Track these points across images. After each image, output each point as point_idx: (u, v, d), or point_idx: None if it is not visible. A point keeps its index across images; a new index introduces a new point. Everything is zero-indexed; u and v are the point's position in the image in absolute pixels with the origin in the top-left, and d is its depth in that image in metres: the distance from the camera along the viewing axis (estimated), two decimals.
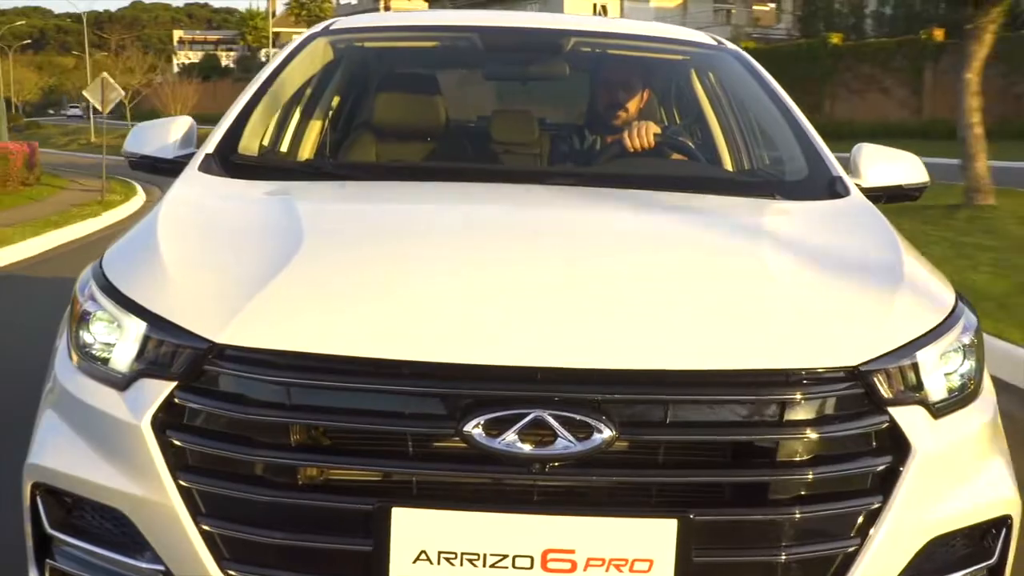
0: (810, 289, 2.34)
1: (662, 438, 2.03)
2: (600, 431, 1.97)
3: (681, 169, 3.64)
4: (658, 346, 2.08)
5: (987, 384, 2.46)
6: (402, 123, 4.13)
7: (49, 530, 2.28)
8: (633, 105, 4.06)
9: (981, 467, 2.31)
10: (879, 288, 2.42)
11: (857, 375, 2.12)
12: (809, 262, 2.51)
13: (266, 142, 3.96)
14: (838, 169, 3.31)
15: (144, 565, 2.15)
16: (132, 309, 2.26)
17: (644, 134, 3.73)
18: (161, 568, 2.12)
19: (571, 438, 1.96)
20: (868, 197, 3.36)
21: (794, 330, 2.18)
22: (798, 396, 2.07)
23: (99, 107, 19.73)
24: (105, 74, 21.00)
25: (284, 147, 4.07)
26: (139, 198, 19.52)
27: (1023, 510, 2.36)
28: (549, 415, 1.97)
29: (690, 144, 3.93)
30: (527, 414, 1.97)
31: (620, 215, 2.90)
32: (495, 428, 1.96)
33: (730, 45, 4.22)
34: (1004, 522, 2.33)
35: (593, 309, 2.17)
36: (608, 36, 4.25)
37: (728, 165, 4.00)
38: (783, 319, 2.21)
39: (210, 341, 2.10)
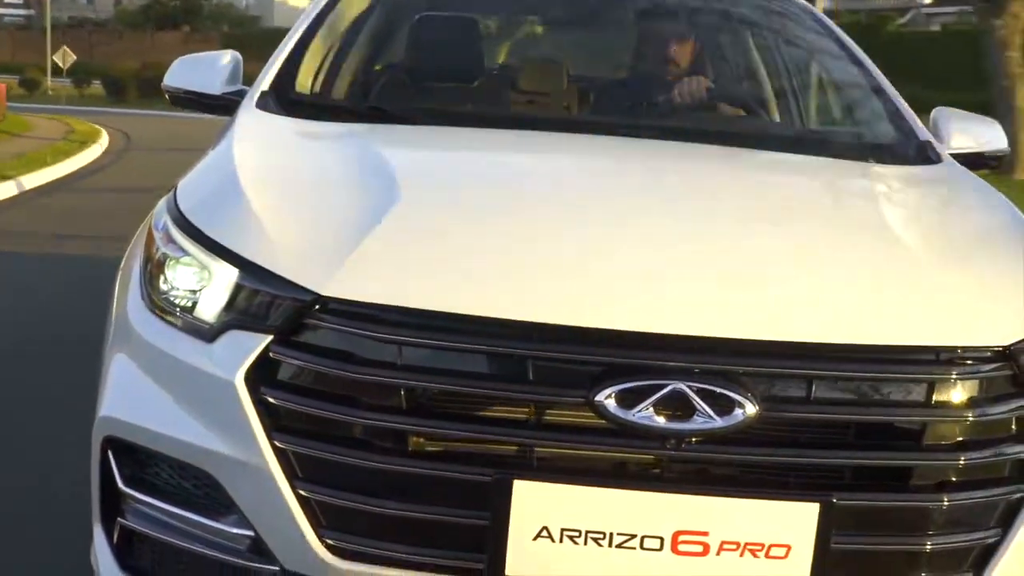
0: (950, 263, 2.20)
1: (806, 415, 1.89)
2: (743, 406, 1.82)
3: (767, 127, 3.50)
4: (803, 318, 1.94)
5: None
6: (443, 67, 3.94)
7: (122, 487, 2.13)
8: (685, 59, 3.89)
9: None
10: (1010, 262, 2.28)
11: (1007, 355, 1.98)
12: (940, 234, 2.38)
13: (320, 81, 3.78)
14: (926, 133, 3.17)
15: (230, 529, 2.00)
16: (222, 254, 2.09)
17: (696, 88, 3.59)
18: (250, 533, 1.97)
19: (712, 413, 1.81)
20: None
21: (943, 306, 2.04)
22: (948, 375, 1.93)
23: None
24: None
25: (339, 86, 3.88)
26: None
27: None
28: (689, 387, 1.82)
29: (747, 98, 3.77)
30: (665, 385, 1.82)
31: (731, 174, 2.75)
32: (629, 399, 1.81)
33: None
34: None
35: (733, 276, 2.02)
36: None
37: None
38: (930, 294, 2.07)
39: (314, 293, 1.93)
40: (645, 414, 1.81)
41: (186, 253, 2.15)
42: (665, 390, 1.82)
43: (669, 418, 1.82)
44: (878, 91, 3.37)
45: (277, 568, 1.95)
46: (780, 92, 3.99)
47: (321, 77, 3.73)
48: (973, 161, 3.31)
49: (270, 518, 1.93)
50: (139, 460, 2.12)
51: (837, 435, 1.91)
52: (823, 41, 3.71)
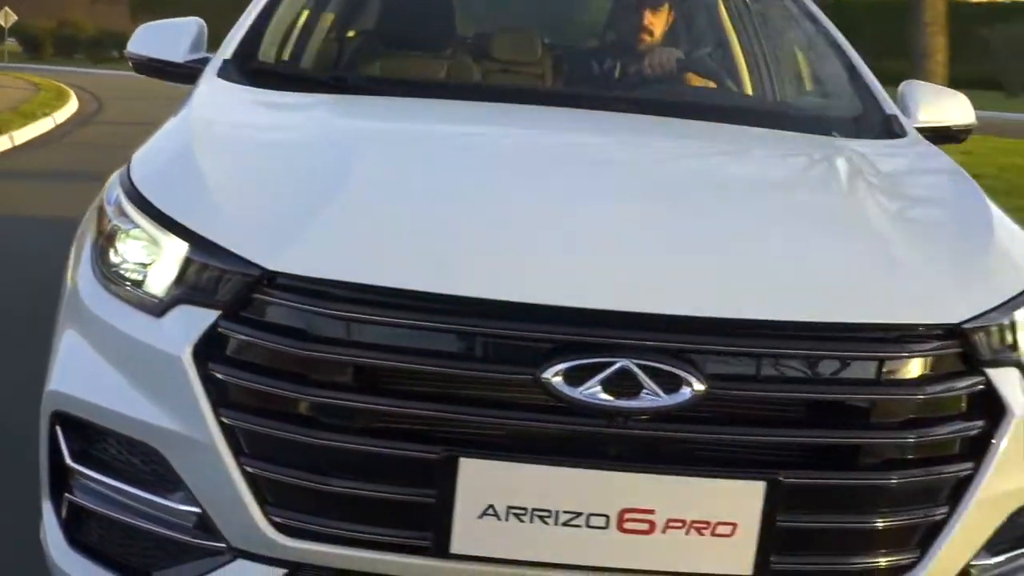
0: (907, 240, 2.20)
1: (754, 394, 1.88)
2: (690, 384, 1.81)
3: (731, 99, 3.47)
4: (752, 295, 1.93)
5: None
6: (412, 34, 3.90)
7: (69, 462, 2.10)
8: (659, 28, 3.86)
9: None
10: (975, 241, 2.29)
11: (958, 333, 1.98)
12: (896, 210, 2.37)
13: (286, 50, 3.73)
14: (892, 107, 3.15)
15: (176, 506, 1.99)
16: (172, 228, 2.06)
17: (666, 59, 3.57)
18: (197, 510, 1.96)
19: (658, 390, 1.80)
20: None
21: (894, 283, 2.03)
22: (898, 353, 1.93)
23: None
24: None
25: (306, 56, 3.84)
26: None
27: None
28: (636, 365, 1.81)
29: (717, 71, 3.74)
30: (613, 363, 1.81)
31: (689, 147, 2.73)
32: (576, 376, 1.80)
33: None
34: None
35: (683, 252, 2.01)
36: None
37: (760, 95, 3.82)
38: (882, 271, 2.06)
39: (262, 267, 1.91)
40: (592, 392, 1.80)
41: (137, 226, 2.12)
42: (612, 368, 1.80)
43: (616, 396, 1.80)
44: (846, 64, 3.35)
45: (223, 545, 1.94)
46: (751, 64, 3.96)
47: (290, 45, 3.69)
48: (940, 135, 3.30)
49: (216, 495, 1.92)
50: (87, 435, 2.10)
51: (785, 413, 1.91)
52: (794, 13, 3.69)
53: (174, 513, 1.99)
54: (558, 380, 1.80)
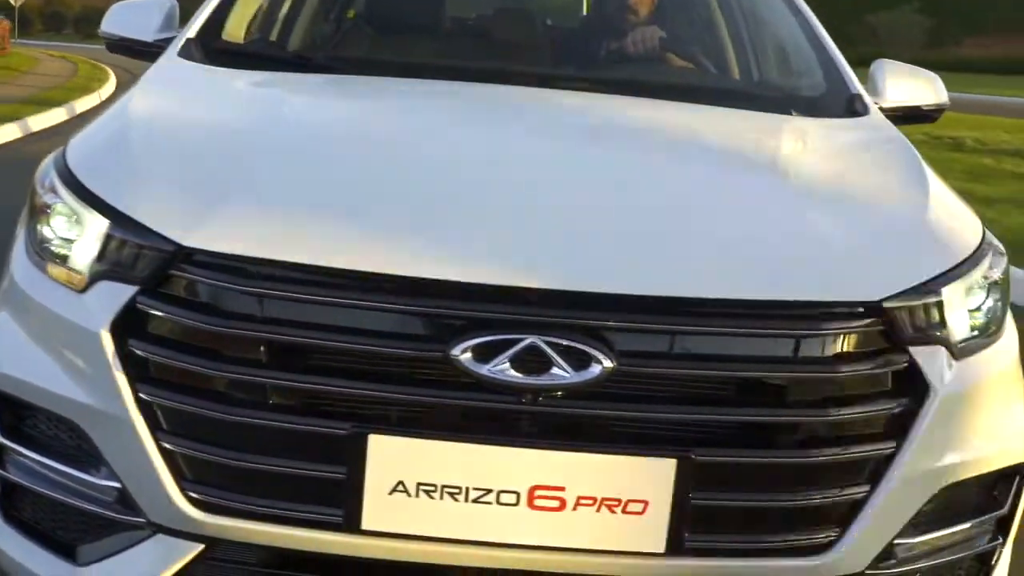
0: (832, 217, 2.17)
1: (666, 371, 1.87)
2: (600, 361, 1.80)
3: (694, 78, 3.44)
4: (666, 271, 1.92)
5: (1010, 322, 2.31)
6: (399, 14, 3.90)
7: (1, 439, 2.12)
8: (644, 7, 3.85)
9: (999, 413, 2.17)
10: (904, 218, 2.26)
11: (879, 311, 1.96)
12: (831, 188, 2.35)
13: (255, 29, 3.73)
14: (857, 86, 3.12)
15: (98, 481, 2.00)
16: (94, 204, 2.07)
17: (648, 38, 3.55)
18: (117, 485, 1.97)
19: (567, 367, 1.80)
20: (887, 116, 3.19)
21: (813, 260, 2.02)
22: (815, 331, 1.91)
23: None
24: None
25: (274, 35, 3.85)
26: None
27: None
28: (544, 342, 1.80)
29: (697, 50, 3.72)
30: (521, 339, 1.80)
31: (629, 126, 2.71)
32: (485, 353, 1.80)
33: None
34: (1018, 471, 2.21)
35: (597, 228, 2.00)
36: None
37: (736, 75, 3.80)
38: (802, 248, 2.05)
39: (177, 243, 1.92)
40: (500, 368, 1.80)
41: (63, 201, 2.13)
42: (521, 345, 1.80)
43: (525, 373, 1.80)
44: (816, 45, 3.33)
45: (143, 520, 1.95)
46: (729, 45, 3.94)
47: (256, 24, 3.69)
48: (911, 114, 3.27)
49: (134, 471, 1.93)
50: (18, 412, 2.11)
51: (698, 391, 1.90)
52: None
53: (97, 488, 2.00)
54: (467, 357, 1.80)
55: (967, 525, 2.15)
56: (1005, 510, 2.20)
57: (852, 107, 3.00)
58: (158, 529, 1.94)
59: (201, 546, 1.92)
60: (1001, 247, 2.35)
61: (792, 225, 2.12)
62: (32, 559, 2.09)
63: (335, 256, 1.87)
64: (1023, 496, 2.24)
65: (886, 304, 1.96)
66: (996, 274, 2.21)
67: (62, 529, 2.10)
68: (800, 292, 1.93)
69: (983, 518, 2.18)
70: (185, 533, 1.92)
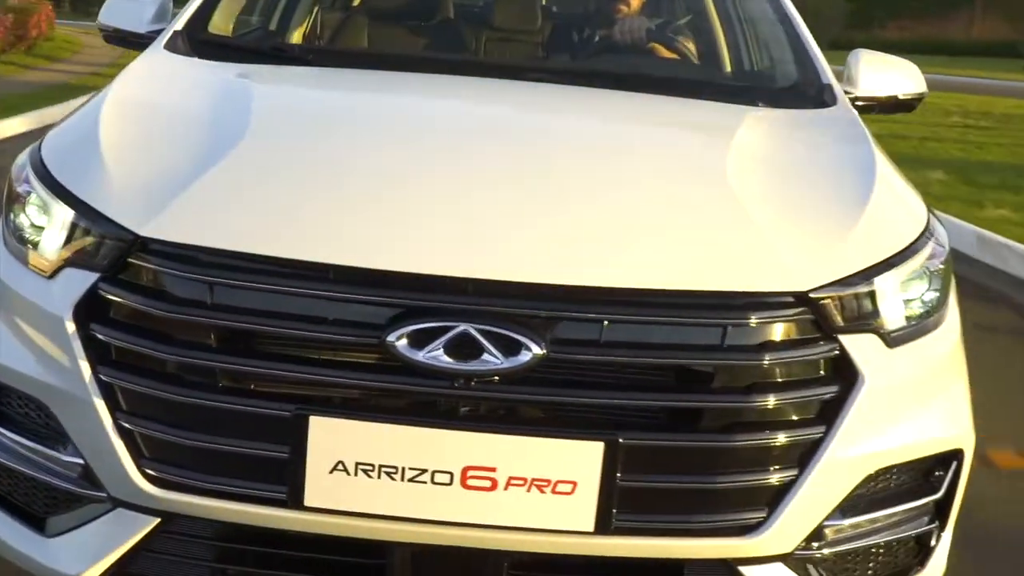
0: (768, 208, 2.23)
1: (594, 358, 1.95)
2: (529, 348, 1.89)
3: (666, 70, 3.50)
4: (596, 262, 1.99)
5: (952, 309, 2.36)
6: (390, 8, 3.99)
7: None
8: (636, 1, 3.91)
9: (935, 399, 2.23)
10: (843, 208, 2.32)
11: (806, 301, 2.03)
12: (773, 178, 2.40)
13: (255, 19, 3.83)
14: (828, 77, 3.17)
15: (64, 458, 2.11)
16: (61, 195, 2.18)
17: (635, 29, 3.62)
18: (80, 462, 2.08)
19: (497, 354, 1.88)
20: (863, 106, 3.24)
21: (743, 251, 2.08)
22: (742, 320, 1.98)
23: None
24: None
25: (273, 25, 3.95)
26: None
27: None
28: (475, 330, 1.89)
29: (684, 43, 3.78)
30: (454, 327, 1.89)
31: (584, 118, 2.79)
32: (420, 340, 1.89)
33: None
34: (955, 456, 2.27)
35: (531, 220, 2.08)
36: None
37: (727, 67, 3.85)
38: (733, 239, 2.11)
39: (134, 233, 2.02)
40: (434, 355, 1.88)
41: (34, 191, 2.24)
42: (453, 332, 1.89)
43: (457, 359, 1.89)
44: (793, 37, 3.38)
45: (104, 495, 2.06)
46: (718, 37, 3.98)
47: (256, 15, 3.80)
48: (887, 104, 3.32)
49: (96, 448, 2.03)
50: None
51: (627, 377, 1.97)
52: None
53: (63, 464, 2.11)
54: (402, 343, 1.89)
55: (901, 508, 2.21)
56: (940, 495, 2.26)
57: (820, 98, 3.06)
58: (118, 503, 2.05)
59: (158, 520, 2.03)
60: (944, 236, 2.41)
61: (726, 217, 2.18)
62: (4, 530, 2.21)
63: (279, 246, 1.97)
64: (960, 480, 2.30)
65: (813, 294, 2.03)
66: (936, 264, 2.27)
67: (32, 503, 2.21)
68: (727, 283, 2.00)
69: (918, 502, 2.24)
70: (143, 508, 2.02)
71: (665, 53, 3.68)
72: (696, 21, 4.14)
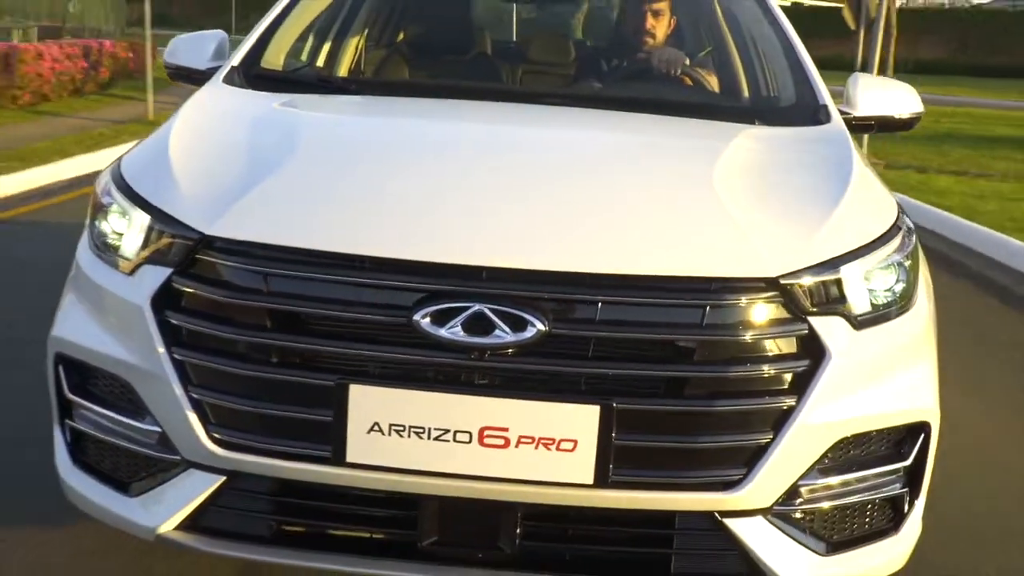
0: (747, 205, 2.54)
1: (591, 334, 2.27)
2: (534, 325, 2.21)
3: (676, 94, 3.82)
4: (591, 251, 2.31)
5: (921, 295, 2.64)
6: (432, 41, 4.37)
7: (68, 395, 2.61)
8: (661, 31, 4.25)
9: (901, 377, 2.51)
10: (817, 205, 2.61)
11: (777, 285, 2.33)
12: (754, 181, 2.70)
13: (304, 58, 4.22)
14: (825, 98, 3.48)
15: (145, 427, 2.47)
16: (139, 203, 2.56)
17: (672, 61, 3.96)
18: (158, 429, 2.44)
19: (507, 329, 2.21)
20: (860, 125, 3.53)
21: (721, 241, 2.39)
22: (718, 302, 2.29)
23: None
24: None
25: (320, 62, 4.34)
26: None
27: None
28: (488, 309, 2.22)
29: (703, 75, 4.09)
30: (470, 307, 2.22)
31: (593, 134, 3.12)
32: (441, 319, 2.22)
33: None
34: (921, 429, 2.54)
35: (536, 216, 2.41)
36: None
37: (746, 93, 4.14)
38: (713, 231, 2.42)
39: (201, 233, 2.39)
40: (454, 331, 2.22)
41: (116, 202, 2.62)
42: (469, 311, 2.22)
43: (473, 334, 2.22)
44: (793, 60, 3.70)
45: (178, 457, 2.42)
46: (735, 62, 4.28)
47: (305, 54, 4.20)
48: (885, 123, 3.62)
49: (171, 417, 2.39)
50: (81, 372, 2.60)
51: (620, 350, 2.29)
52: (756, 11, 4.05)
53: (143, 433, 2.48)
54: (426, 322, 2.22)
55: (872, 472, 2.50)
56: (909, 461, 2.54)
57: (815, 117, 3.36)
58: (190, 464, 2.40)
59: (223, 478, 2.38)
60: (914, 232, 2.70)
61: (708, 213, 2.49)
62: (96, 492, 2.58)
63: (322, 241, 2.32)
64: (929, 451, 2.58)
65: (783, 280, 2.33)
66: (900, 257, 2.56)
67: (117, 468, 2.58)
68: (706, 269, 2.31)
69: (888, 467, 2.52)
70: (211, 467, 2.37)
71: (688, 80, 4.02)
72: (715, 49, 4.47)
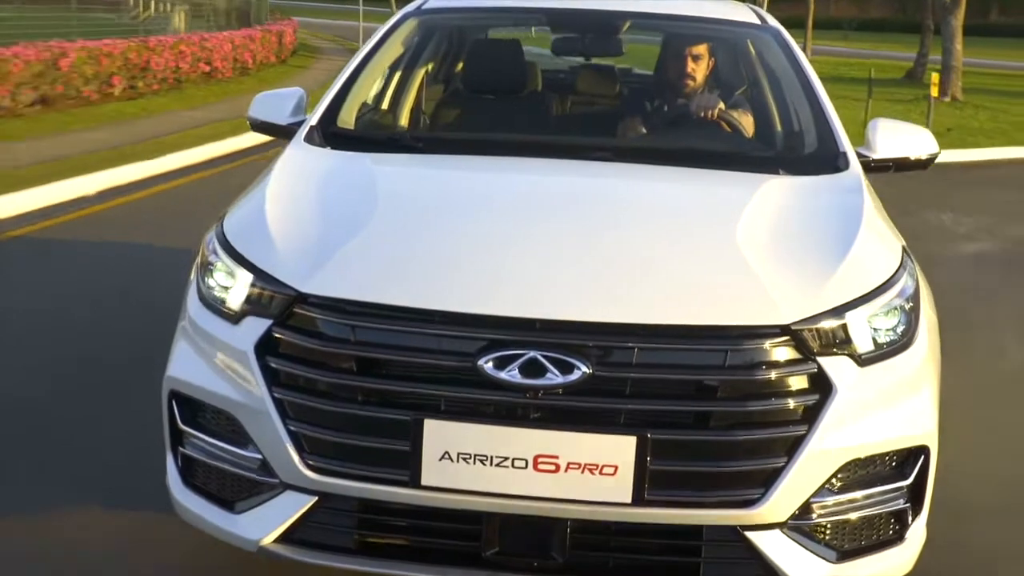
0: (765, 256, 2.91)
1: (628, 376, 2.65)
2: (580, 368, 2.60)
3: (710, 144, 4.18)
4: (628, 303, 2.70)
5: (923, 330, 2.98)
6: (487, 87, 4.77)
7: (181, 425, 3.04)
8: (700, 74, 4.61)
9: (902, 406, 2.86)
10: (826, 255, 2.97)
11: (789, 331, 2.70)
12: (773, 234, 3.07)
13: (370, 99, 4.63)
14: (844, 145, 3.83)
15: (248, 454, 2.88)
16: (242, 263, 2.98)
17: (709, 107, 4.34)
18: (259, 456, 2.85)
19: (557, 372, 2.60)
20: (879, 167, 3.89)
21: (741, 292, 2.77)
22: (738, 347, 2.66)
23: None
24: None
25: (385, 105, 4.75)
26: None
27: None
28: (541, 355, 2.61)
29: (738, 117, 4.45)
30: (525, 354, 2.62)
31: (631, 190, 3.51)
32: (501, 363, 2.62)
33: (772, 21, 4.71)
34: (921, 451, 2.90)
35: (581, 271, 2.80)
36: (658, 17, 4.81)
37: (776, 133, 4.45)
38: (734, 283, 2.80)
39: (297, 290, 2.80)
40: (512, 374, 2.61)
41: (221, 260, 3.05)
42: (524, 358, 2.61)
43: (528, 376, 2.61)
44: (816, 109, 4.05)
45: (277, 480, 2.83)
46: (770, 109, 4.59)
47: (371, 100, 4.62)
48: (902, 164, 3.97)
49: (271, 446, 2.80)
50: (192, 406, 3.02)
51: (654, 389, 2.66)
52: (782, 57, 4.41)
53: (246, 460, 2.89)
54: (489, 366, 2.62)
55: (876, 490, 2.85)
56: (911, 480, 2.89)
57: (834, 164, 3.72)
58: (287, 487, 2.81)
59: (316, 498, 2.78)
60: (916, 277, 3.06)
61: (730, 266, 2.86)
62: (204, 510, 3.00)
63: (400, 297, 2.73)
64: (929, 471, 2.93)
65: (795, 327, 2.70)
66: (901, 301, 2.92)
67: (223, 490, 3.00)
68: (727, 318, 2.69)
69: (891, 486, 2.87)
70: (305, 489, 2.78)
71: (725, 127, 4.38)
72: (752, 91, 4.82)
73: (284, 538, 2.83)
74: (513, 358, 2.62)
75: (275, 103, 4.31)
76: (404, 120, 4.83)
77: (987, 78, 27.72)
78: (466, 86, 5.04)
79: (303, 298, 2.80)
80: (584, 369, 2.61)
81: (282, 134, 4.19)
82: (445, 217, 3.18)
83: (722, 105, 4.42)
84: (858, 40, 43.01)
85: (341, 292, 2.78)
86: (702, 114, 4.38)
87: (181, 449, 3.07)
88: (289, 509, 2.81)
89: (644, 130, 4.46)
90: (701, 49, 4.61)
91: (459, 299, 2.71)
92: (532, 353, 2.62)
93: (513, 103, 4.74)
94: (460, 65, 5.49)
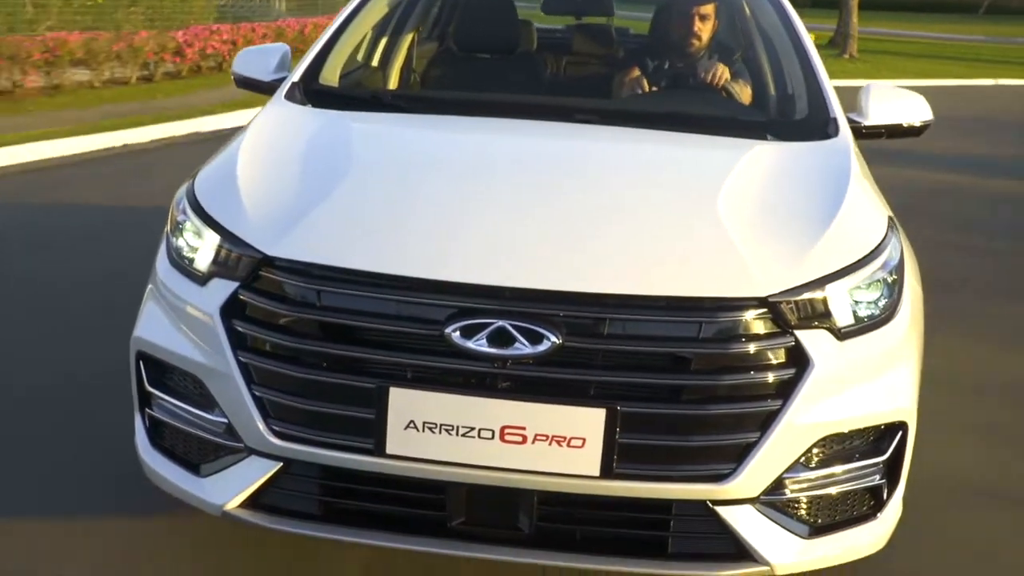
0: (745, 225, 2.84)
1: (599, 347, 2.59)
2: (549, 338, 2.54)
3: (699, 109, 4.10)
4: (600, 272, 2.64)
5: (905, 303, 2.92)
6: (478, 46, 4.69)
7: (148, 387, 3.00)
8: (706, 34, 4.53)
9: (881, 382, 2.80)
10: (808, 225, 2.90)
11: (766, 304, 2.63)
12: (755, 202, 3.00)
13: (360, 56, 4.55)
14: (835, 110, 3.75)
15: (213, 418, 2.84)
16: (210, 224, 2.92)
17: (718, 75, 4.25)
18: (225, 420, 2.81)
19: (525, 342, 2.54)
20: (870, 133, 3.81)
21: (718, 262, 2.70)
22: (713, 319, 2.60)
23: None
24: None
25: (374, 62, 4.67)
26: None
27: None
28: (509, 324, 2.55)
29: (738, 92, 4.39)
30: (493, 323, 2.56)
31: (615, 152, 3.44)
32: (469, 332, 2.56)
33: None
34: (899, 428, 2.84)
35: (552, 241, 2.74)
36: None
37: (769, 97, 4.38)
38: (711, 252, 2.73)
39: (263, 253, 2.74)
40: (479, 343, 2.55)
41: (190, 221, 2.99)
42: (493, 326, 2.56)
43: (496, 346, 2.55)
44: (809, 73, 3.96)
45: (242, 445, 2.79)
46: (765, 73, 4.52)
47: (361, 53, 4.53)
48: (895, 131, 3.89)
49: (236, 410, 2.75)
50: (159, 368, 2.98)
51: (624, 360, 2.61)
52: (775, 19, 4.32)
53: (212, 423, 2.85)
54: (456, 335, 2.56)
55: (852, 466, 2.80)
56: (887, 456, 2.84)
57: (823, 130, 3.64)
58: (252, 451, 2.77)
59: (280, 463, 2.74)
60: (900, 249, 2.98)
61: (709, 236, 2.79)
62: (170, 472, 2.97)
63: (367, 262, 2.66)
64: (907, 448, 2.88)
65: (772, 299, 2.63)
66: (884, 274, 2.85)
67: (189, 452, 2.96)
68: (702, 289, 2.62)
69: (867, 462, 2.82)
70: (270, 455, 2.74)
71: (723, 95, 4.30)
72: (745, 51, 4.73)
73: (248, 503, 2.80)
74: (481, 327, 2.56)
75: (259, 59, 4.24)
76: (394, 79, 4.75)
77: (883, 43, 32.98)
78: (457, 45, 4.95)
79: (269, 261, 2.74)
80: (553, 339, 2.55)
81: (265, 90, 4.13)
82: (419, 181, 3.11)
83: (728, 75, 4.35)
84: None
85: (307, 256, 2.72)
86: (710, 79, 4.30)
87: (148, 411, 3.03)
88: (253, 474, 2.78)
89: (644, 90, 4.38)
90: (708, 9, 4.53)
91: (427, 266, 2.66)
92: (501, 322, 2.56)
93: (504, 63, 4.65)
94: (453, 25, 5.39)
